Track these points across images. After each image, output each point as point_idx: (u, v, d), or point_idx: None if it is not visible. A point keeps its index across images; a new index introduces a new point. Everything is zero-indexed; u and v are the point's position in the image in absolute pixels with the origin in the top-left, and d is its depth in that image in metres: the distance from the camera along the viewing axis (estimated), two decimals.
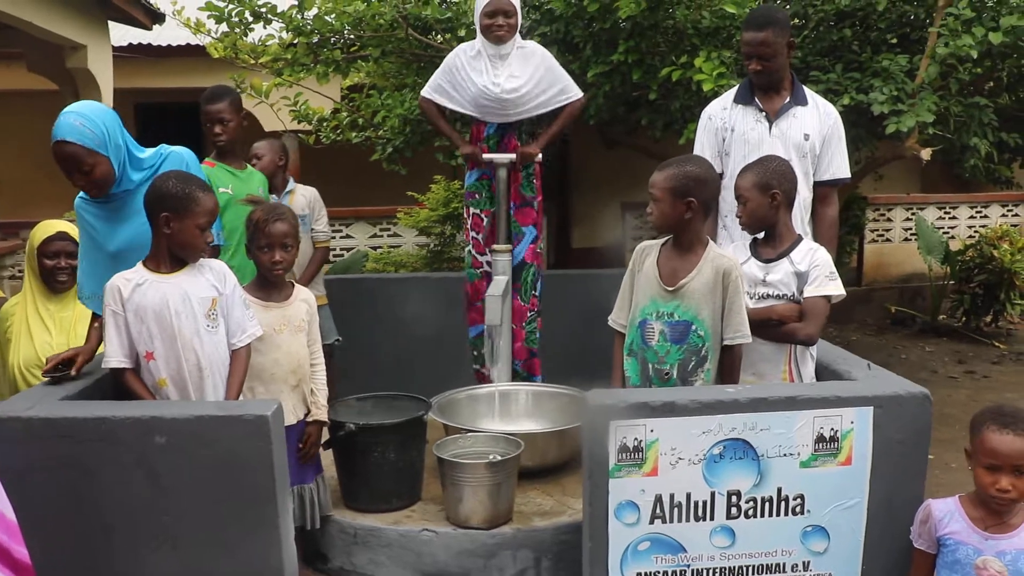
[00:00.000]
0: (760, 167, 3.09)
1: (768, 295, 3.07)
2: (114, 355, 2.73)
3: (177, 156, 3.06)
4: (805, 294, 3.03)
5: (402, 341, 4.99)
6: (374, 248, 8.82)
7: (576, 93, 4.28)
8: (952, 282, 9.35)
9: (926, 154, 5.10)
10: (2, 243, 6.37)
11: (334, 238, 7.57)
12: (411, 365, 4.82)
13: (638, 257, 3.03)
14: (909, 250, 10.09)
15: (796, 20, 5.49)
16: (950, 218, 10.59)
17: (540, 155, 4.29)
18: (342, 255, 8.73)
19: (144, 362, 2.74)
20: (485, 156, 4.24)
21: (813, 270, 3.04)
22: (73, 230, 3.52)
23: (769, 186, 3.01)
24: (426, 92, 4.35)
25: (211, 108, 3.84)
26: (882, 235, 10.35)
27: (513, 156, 4.22)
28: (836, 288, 3.05)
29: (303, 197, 4.49)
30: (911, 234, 10.19)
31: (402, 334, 5.00)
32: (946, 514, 2.43)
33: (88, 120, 2.79)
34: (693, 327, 2.84)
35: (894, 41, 5.51)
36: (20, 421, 2.44)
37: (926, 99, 4.69)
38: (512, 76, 4.11)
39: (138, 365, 2.76)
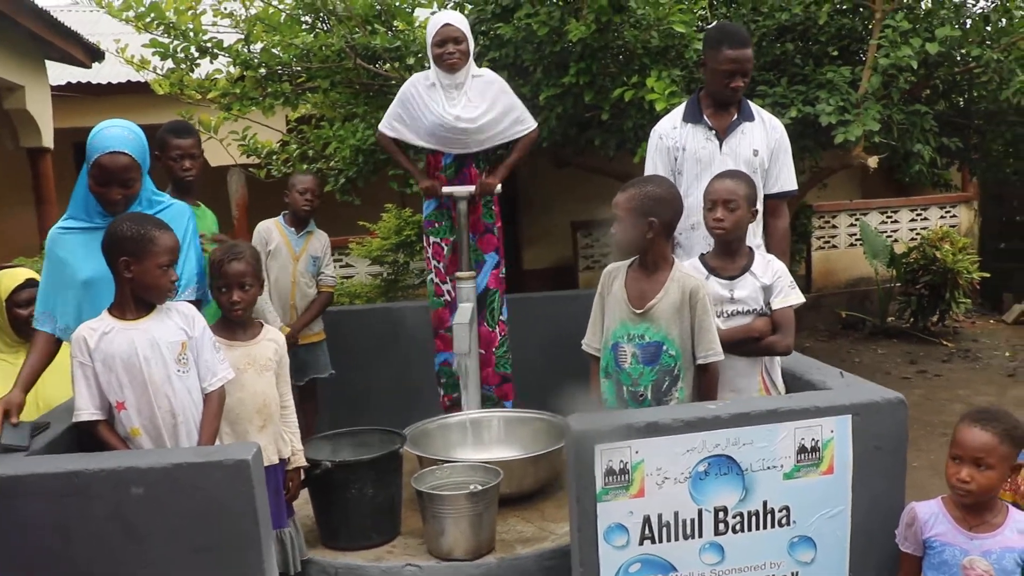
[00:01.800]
0: (737, 176, 3.12)
1: (737, 312, 3.08)
2: (84, 408, 2.65)
3: (179, 209, 3.03)
4: (774, 306, 3.07)
5: (367, 373, 4.94)
6: None
7: (531, 124, 4.30)
8: (898, 284, 9.56)
9: (873, 162, 5.23)
10: None
11: None
12: (378, 396, 4.78)
13: (606, 280, 3.03)
14: (855, 255, 10.30)
15: None
16: (892, 222, 10.84)
17: (499, 186, 4.29)
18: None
19: (116, 412, 2.66)
20: (445, 189, 4.22)
21: (776, 282, 3.08)
22: (34, 275, 3.44)
23: (752, 200, 3.07)
24: (383, 127, 4.32)
25: (181, 142, 3.74)
26: (828, 242, 10.55)
27: (472, 188, 4.21)
28: (798, 296, 3.11)
29: (319, 240, 4.48)
30: (856, 239, 10.41)
31: (367, 366, 4.96)
32: (931, 516, 2.47)
33: (135, 134, 2.86)
34: (664, 347, 2.85)
35: (835, 54, 5.65)
36: None
37: (871, 108, 4.81)
38: (469, 106, 4.10)
39: (110, 416, 2.69)
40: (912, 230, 10.81)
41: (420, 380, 4.61)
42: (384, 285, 7.94)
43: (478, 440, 4.06)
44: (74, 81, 9.04)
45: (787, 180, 3.80)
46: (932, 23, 5.29)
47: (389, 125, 4.29)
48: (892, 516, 2.59)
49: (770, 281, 3.07)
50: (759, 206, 3.74)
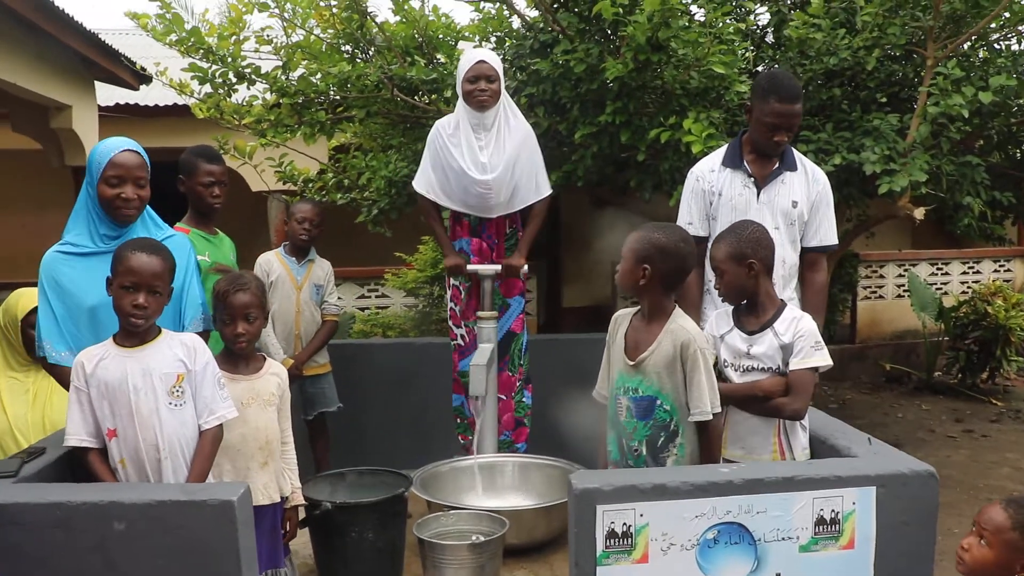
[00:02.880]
0: (734, 236, 2.95)
1: (753, 368, 2.94)
2: (74, 433, 2.59)
3: (178, 242, 3.02)
4: (791, 366, 2.90)
5: (387, 408, 4.89)
6: (362, 309, 8.72)
7: (547, 190, 4.23)
8: (947, 339, 9.28)
9: (919, 213, 5.04)
10: None
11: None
12: (394, 433, 4.71)
13: (612, 327, 2.94)
14: (902, 307, 10.04)
15: None
16: (943, 274, 10.56)
17: (525, 266, 4.21)
18: None
19: (107, 440, 2.60)
20: (470, 267, 4.15)
21: (798, 341, 2.91)
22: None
23: (744, 256, 2.89)
24: (418, 185, 4.26)
25: (214, 169, 3.71)
26: (875, 292, 10.31)
27: (498, 268, 4.14)
28: (823, 358, 2.92)
29: (321, 269, 4.43)
30: (904, 290, 10.15)
31: (387, 401, 4.90)
32: None
33: (138, 146, 2.97)
34: (658, 402, 2.74)
35: (884, 100, 5.48)
36: None
37: (918, 158, 4.64)
38: (496, 150, 4.02)
39: (103, 444, 2.62)
40: (963, 283, 10.53)
41: (437, 419, 4.53)
42: (418, 317, 7.89)
43: (490, 485, 3.95)
44: (122, 102, 9.21)
45: (827, 234, 3.65)
46: (988, 71, 5.12)
47: (423, 184, 4.22)
48: None
49: (790, 340, 2.91)
50: (794, 258, 3.60)
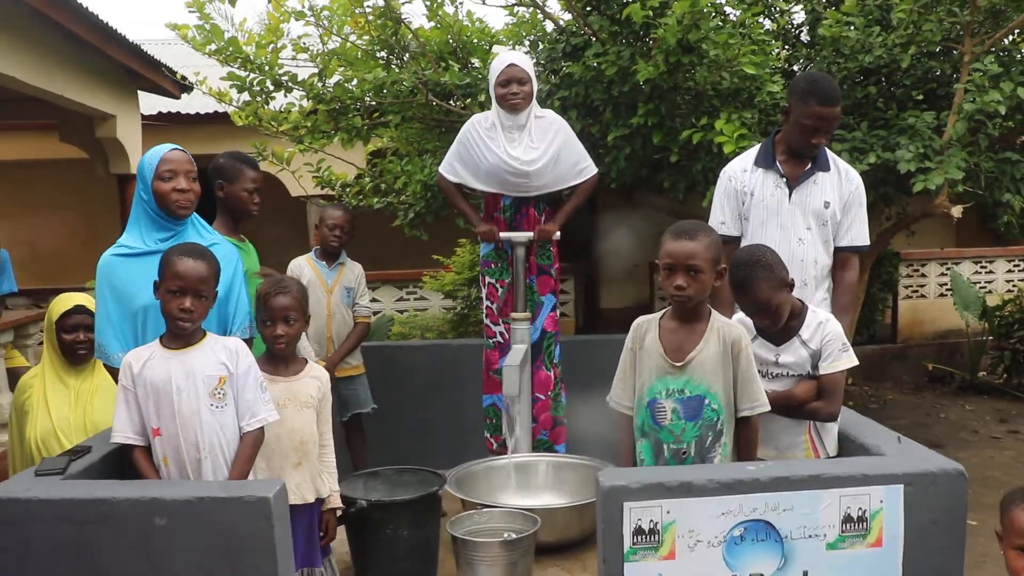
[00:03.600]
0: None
1: (782, 375, 2.96)
2: (120, 430, 2.68)
3: (227, 251, 3.11)
4: (821, 371, 2.91)
5: (423, 408, 4.95)
6: (400, 311, 8.81)
7: (591, 169, 4.25)
8: (991, 338, 9.15)
9: (957, 211, 4.99)
10: (23, 312, 6.42)
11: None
12: (431, 434, 4.77)
13: (637, 334, 2.86)
14: (945, 306, 9.91)
15: None
16: (987, 272, 10.41)
17: (559, 232, 4.22)
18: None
19: (152, 438, 2.68)
20: (502, 235, 4.19)
21: (826, 346, 2.91)
22: (91, 302, 3.52)
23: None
24: (444, 169, 4.32)
25: (257, 175, 3.74)
26: (916, 291, 10.19)
27: (531, 235, 4.17)
28: (850, 360, 2.93)
29: (352, 272, 4.49)
30: (947, 289, 10.02)
31: (423, 401, 4.96)
32: None
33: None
34: (706, 401, 2.70)
35: (920, 98, 5.44)
36: (19, 503, 2.39)
37: (954, 156, 4.60)
38: (530, 147, 4.08)
39: (149, 442, 2.70)
40: (1009, 282, 10.35)
41: (473, 419, 4.57)
42: (456, 319, 7.96)
43: (524, 485, 3.99)
44: (164, 111, 9.42)
45: (858, 234, 3.64)
46: None
47: (449, 168, 4.29)
48: None
49: (818, 346, 2.92)
50: (826, 259, 3.60)
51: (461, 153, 4.22)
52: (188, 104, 9.29)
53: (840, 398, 2.93)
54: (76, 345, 3.49)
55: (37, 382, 3.57)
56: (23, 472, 2.74)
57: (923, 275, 10.22)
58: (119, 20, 6.99)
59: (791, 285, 2.92)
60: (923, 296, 10.21)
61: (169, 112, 9.50)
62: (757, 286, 2.83)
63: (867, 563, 2.41)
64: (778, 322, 2.90)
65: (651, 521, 2.34)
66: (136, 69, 7.41)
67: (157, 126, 9.07)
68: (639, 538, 2.35)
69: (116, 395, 2.73)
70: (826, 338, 2.92)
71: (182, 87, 8.34)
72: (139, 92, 8.27)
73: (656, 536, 2.35)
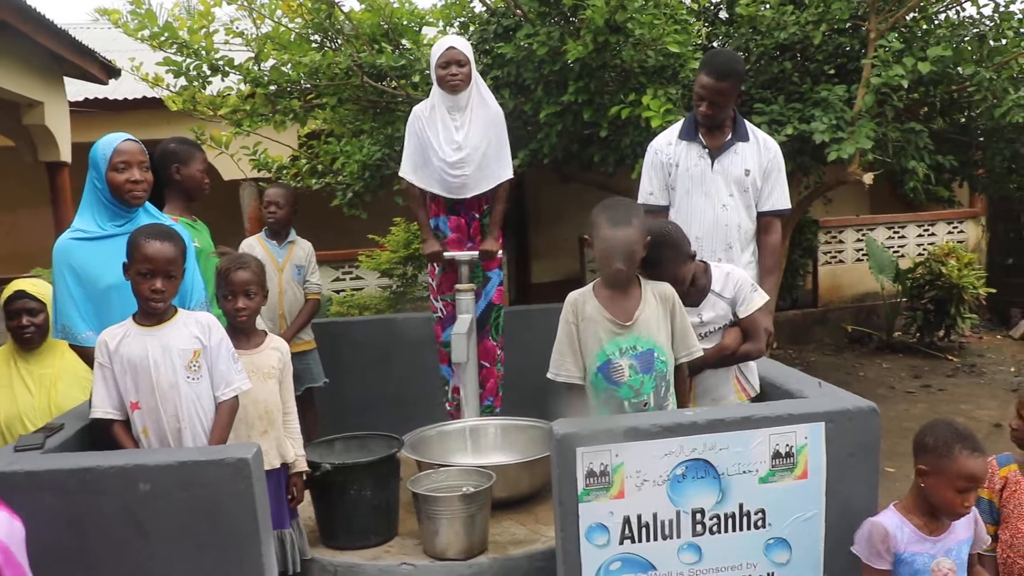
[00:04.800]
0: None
1: (709, 332, 3.21)
2: (99, 406, 2.79)
3: (178, 229, 3.18)
4: (741, 315, 3.20)
5: (372, 381, 5.07)
6: (337, 291, 8.89)
7: (509, 172, 4.38)
8: (905, 299, 9.63)
9: (868, 178, 5.33)
10: None
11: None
12: (380, 405, 4.90)
13: (576, 308, 2.99)
14: (862, 270, 10.38)
15: (739, 53, 5.73)
16: (899, 237, 10.90)
17: (500, 250, 4.41)
18: None
19: (130, 412, 2.81)
20: (447, 255, 4.33)
21: (739, 292, 3.21)
22: (32, 287, 3.61)
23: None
24: (405, 173, 4.38)
25: (205, 157, 3.93)
26: (835, 257, 10.62)
27: (475, 254, 4.33)
28: (762, 297, 3.24)
29: (302, 249, 4.59)
30: (863, 255, 10.49)
31: (371, 375, 5.09)
32: (897, 529, 2.53)
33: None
34: (655, 354, 2.92)
35: (832, 72, 5.76)
36: (3, 476, 2.49)
37: (864, 127, 4.92)
38: (470, 129, 4.20)
39: (126, 416, 2.82)
40: (919, 245, 10.88)
41: (420, 390, 4.74)
42: (393, 297, 8.08)
43: (476, 447, 4.17)
44: (91, 97, 9.28)
45: (779, 199, 3.90)
46: (927, 42, 5.41)
47: (409, 168, 4.36)
48: (864, 519, 2.69)
49: (732, 294, 3.20)
50: (749, 224, 3.86)
51: (412, 146, 4.33)
52: (116, 90, 9.17)
53: (763, 336, 3.22)
54: (20, 329, 3.56)
55: (0, 367, 3.64)
56: (2, 449, 2.84)
57: (840, 241, 10.67)
58: (42, 3, 6.87)
59: (694, 256, 3.18)
60: (841, 262, 10.65)
61: (96, 98, 9.36)
62: (666, 264, 3.08)
63: (795, 493, 2.67)
64: (682, 289, 3.11)
65: (601, 464, 2.57)
66: (63, 55, 7.31)
67: (85, 112, 8.95)
68: (591, 480, 2.57)
69: (93, 373, 2.84)
70: (736, 285, 3.21)
71: (110, 72, 8.25)
72: (65, 78, 8.14)
73: (607, 477, 2.57)
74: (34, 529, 2.48)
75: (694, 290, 3.20)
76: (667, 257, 3.08)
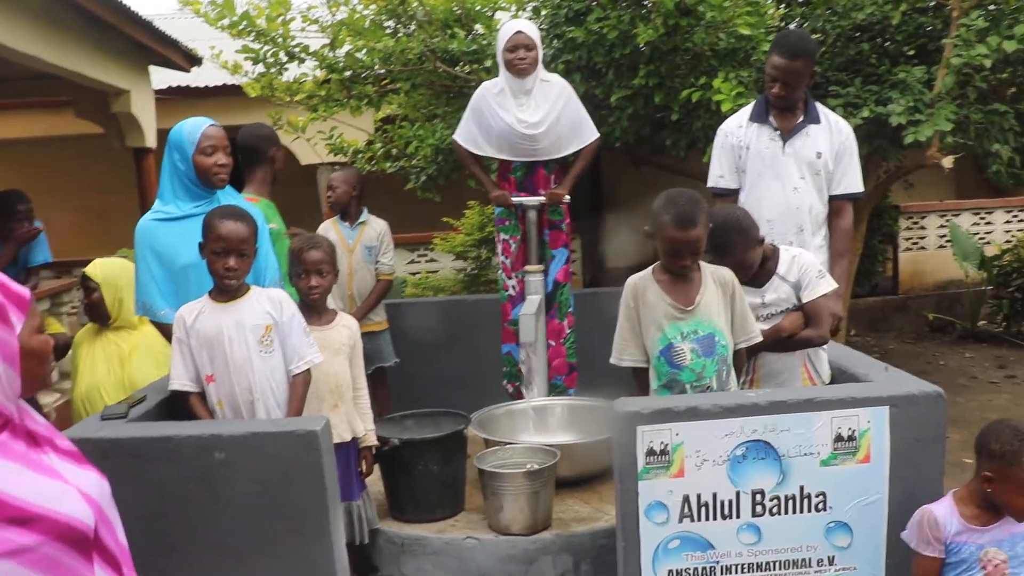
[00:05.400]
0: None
1: (771, 314, 3.18)
2: (177, 378, 2.94)
3: (253, 210, 3.31)
4: (804, 299, 3.15)
5: (443, 361, 5.18)
6: (413, 274, 9.04)
7: (593, 134, 4.45)
8: (990, 287, 9.35)
9: (948, 162, 5.19)
10: (57, 282, 6.68)
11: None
12: (453, 383, 4.98)
13: (637, 293, 3.01)
14: (945, 257, 10.11)
15: (815, 35, 5.63)
16: (985, 223, 10.58)
17: (568, 197, 4.44)
18: None
19: (206, 384, 2.94)
20: (514, 199, 4.40)
21: (804, 276, 3.16)
22: (91, 267, 3.82)
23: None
24: (458, 136, 4.52)
25: (279, 143, 4.10)
26: (916, 243, 10.37)
27: (542, 199, 4.39)
28: (828, 284, 3.18)
29: (373, 229, 4.68)
30: (946, 241, 10.21)
31: (444, 354, 5.19)
32: (948, 519, 2.50)
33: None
34: (716, 338, 2.93)
35: (912, 53, 5.61)
36: (91, 442, 2.62)
37: (943, 108, 4.79)
38: (537, 110, 4.27)
39: (202, 388, 2.96)
40: (1008, 232, 10.53)
41: (490, 369, 4.81)
42: (467, 280, 8.18)
43: (542, 426, 4.24)
44: (175, 85, 9.60)
45: (852, 182, 3.86)
46: (1018, 19, 5.22)
47: (463, 135, 4.49)
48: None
49: (797, 278, 3.16)
50: (821, 207, 3.82)
51: (473, 120, 4.42)
52: (198, 77, 9.45)
53: (827, 322, 3.15)
54: (89, 307, 3.79)
55: (84, 341, 3.85)
56: (89, 418, 3.00)
57: (923, 227, 10.40)
58: None
59: (762, 240, 3.16)
60: (923, 248, 10.39)
61: (180, 86, 9.68)
62: (734, 250, 3.08)
63: (857, 477, 2.65)
64: (750, 274, 3.12)
65: (662, 443, 2.59)
66: (148, 44, 7.58)
67: (169, 99, 9.25)
68: (651, 458, 2.60)
69: (172, 347, 2.99)
70: (802, 269, 3.17)
71: (192, 60, 8.52)
72: (151, 67, 8.43)
73: (667, 456, 2.60)
74: (118, 492, 2.61)
75: (760, 272, 3.18)
76: (736, 243, 3.08)
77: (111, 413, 2.90)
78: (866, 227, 6.72)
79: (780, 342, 3.15)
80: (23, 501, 1.56)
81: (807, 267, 3.17)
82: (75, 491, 1.65)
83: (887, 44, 5.68)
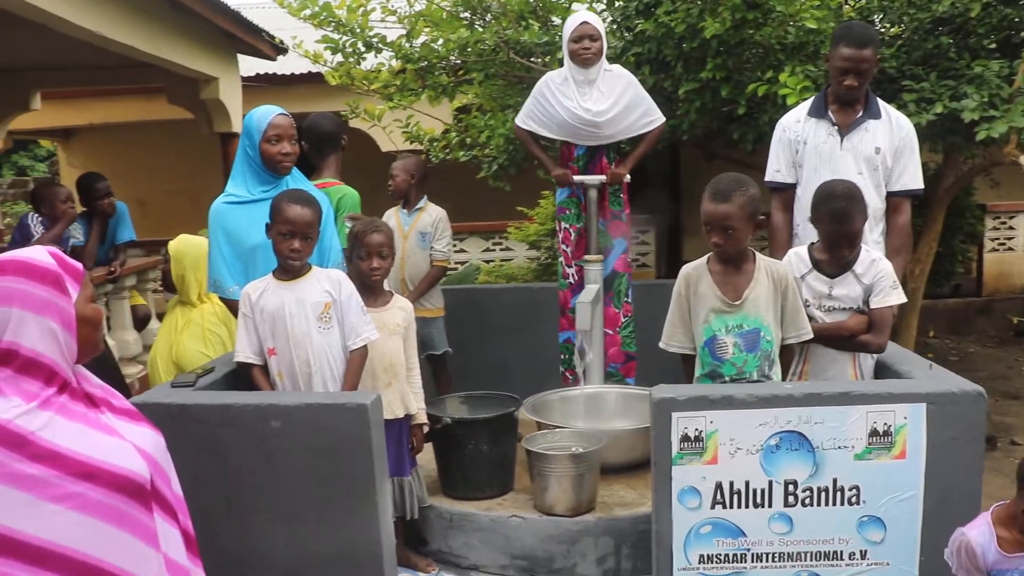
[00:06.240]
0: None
1: (835, 308, 3.18)
2: (242, 351, 3.13)
3: (320, 195, 3.48)
4: (872, 305, 3.14)
5: (505, 348, 5.29)
6: (487, 261, 9.18)
7: (659, 118, 4.51)
8: None
9: None
10: (146, 259, 7.03)
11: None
12: (514, 370, 5.10)
13: (690, 282, 3.08)
14: None
15: (892, 29, 5.55)
16: None
17: (628, 176, 4.51)
18: (456, 268, 9.14)
19: (268, 357, 3.13)
20: (575, 178, 4.49)
21: (878, 282, 3.14)
22: (171, 243, 4.17)
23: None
24: (519, 120, 4.64)
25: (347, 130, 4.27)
26: (1003, 244, 10.04)
27: (603, 178, 4.47)
28: (899, 297, 3.17)
29: (429, 216, 4.79)
30: None
31: (505, 340, 5.31)
32: (985, 547, 2.40)
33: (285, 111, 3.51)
34: (761, 333, 2.97)
35: (993, 47, 5.47)
36: (161, 406, 2.83)
37: (1021, 104, 4.68)
38: (600, 99, 4.36)
39: (265, 361, 3.14)
40: None
41: (551, 357, 4.90)
42: (540, 269, 8.28)
43: (595, 412, 4.32)
44: (261, 72, 9.93)
45: (911, 179, 3.83)
46: None
47: (523, 119, 4.61)
48: (966, 506, 2.65)
49: (871, 281, 3.15)
50: (879, 203, 3.80)
51: (536, 106, 4.53)
52: (283, 65, 9.75)
53: (888, 332, 3.16)
54: (163, 278, 4.17)
55: (170, 311, 4.18)
56: (160, 384, 3.21)
57: (1011, 228, 10.06)
58: None
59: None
60: (1011, 249, 10.05)
61: (266, 73, 10.01)
62: (854, 218, 3.07)
63: (892, 473, 2.67)
64: (853, 251, 3.12)
65: (696, 430, 2.66)
66: (236, 34, 7.87)
67: (255, 87, 9.58)
68: (685, 444, 2.67)
69: (238, 322, 3.18)
70: (879, 275, 3.15)
71: (278, 49, 8.80)
72: (239, 55, 8.75)
73: (701, 443, 2.66)
74: (184, 453, 2.80)
75: (836, 262, 3.17)
76: (856, 212, 3.09)
77: (181, 381, 3.10)
78: (942, 225, 6.56)
79: (839, 339, 3.16)
80: (87, 457, 1.73)
81: (884, 274, 3.16)
82: (131, 446, 1.81)
83: (968, 37, 5.54)
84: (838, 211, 3.04)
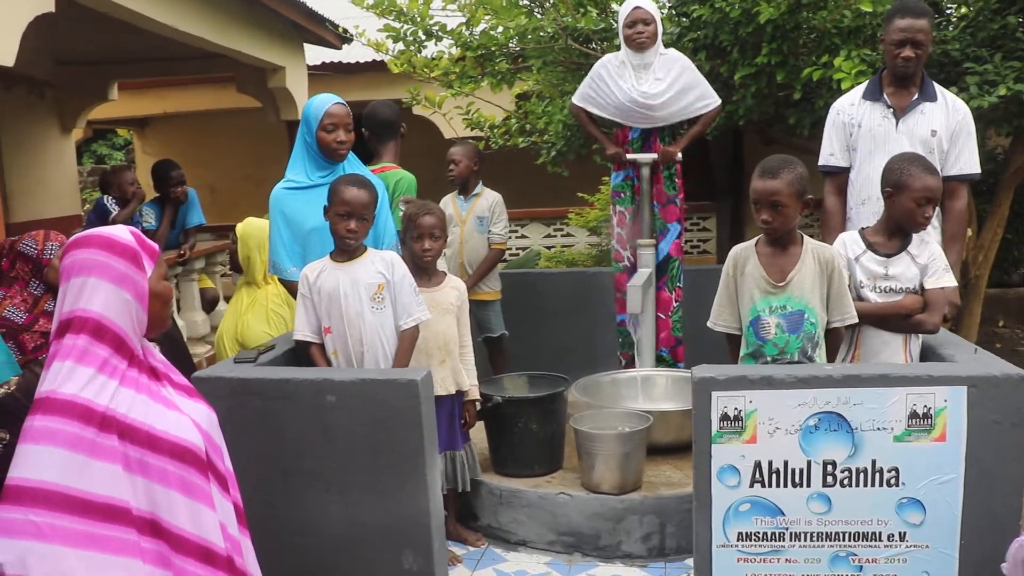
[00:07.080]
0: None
1: (891, 288, 3.18)
2: (300, 330, 3.28)
3: (376, 180, 3.60)
4: (927, 286, 3.16)
5: (563, 330, 5.40)
6: (548, 247, 9.26)
7: (714, 100, 4.55)
8: None
9: None
10: (215, 243, 7.28)
11: (509, 238, 8.05)
12: (571, 352, 5.20)
13: (738, 263, 3.14)
14: None
15: (960, 7, 5.47)
16: None
17: (680, 155, 4.55)
18: (517, 254, 9.25)
19: (324, 336, 3.27)
20: (629, 156, 4.56)
21: (932, 263, 3.16)
22: (239, 226, 4.39)
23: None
24: (576, 99, 4.73)
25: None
26: None
27: (655, 156, 4.53)
28: (951, 280, 3.19)
29: (486, 201, 4.91)
30: None
31: (563, 323, 5.41)
32: None
33: (342, 99, 3.63)
34: (805, 315, 3.01)
35: None
36: (224, 380, 3.00)
37: None
38: (656, 82, 4.42)
39: (322, 339, 3.29)
40: None
41: (607, 339, 4.98)
42: (599, 255, 8.33)
43: (645, 394, 4.39)
44: (327, 61, 10.16)
45: (967, 163, 3.80)
46: None
47: (580, 98, 4.69)
48: (1009, 492, 2.66)
49: (925, 262, 3.17)
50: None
51: (592, 87, 4.61)
52: (348, 54, 9.97)
53: (942, 312, 3.17)
54: (231, 259, 4.37)
55: (237, 291, 4.40)
56: (224, 360, 3.38)
57: None
58: None
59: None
60: None
61: (331, 62, 10.23)
62: (935, 173, 3.14)
63: (931, 455, 2.69)
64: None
65: (736, 409, 2.71)
66: (302, 24, 8.08)
67: (321, 75, 9.80)
68: (725, 423, 2.73)
69: (296, 302, 3.33)
70: (932, 256, 3.18)
71: (343, 39, 8.99)
72: (305, 45, 8.96)
73: (740, 422, 2.72)
74: (244, 425, 2.97)
75: (892, 243, 3.20)
76: (932, 168, 3.15)
77: (243, 357, 3.27)
78: (1010, 211, 6.43)
79: (893, 319, 3.17)
80: (152, 428, 1.87)
81: (937, 256, 3.20)
82: (189, 420, 1.95)
83: None
84: (929, 165, 3.12)
